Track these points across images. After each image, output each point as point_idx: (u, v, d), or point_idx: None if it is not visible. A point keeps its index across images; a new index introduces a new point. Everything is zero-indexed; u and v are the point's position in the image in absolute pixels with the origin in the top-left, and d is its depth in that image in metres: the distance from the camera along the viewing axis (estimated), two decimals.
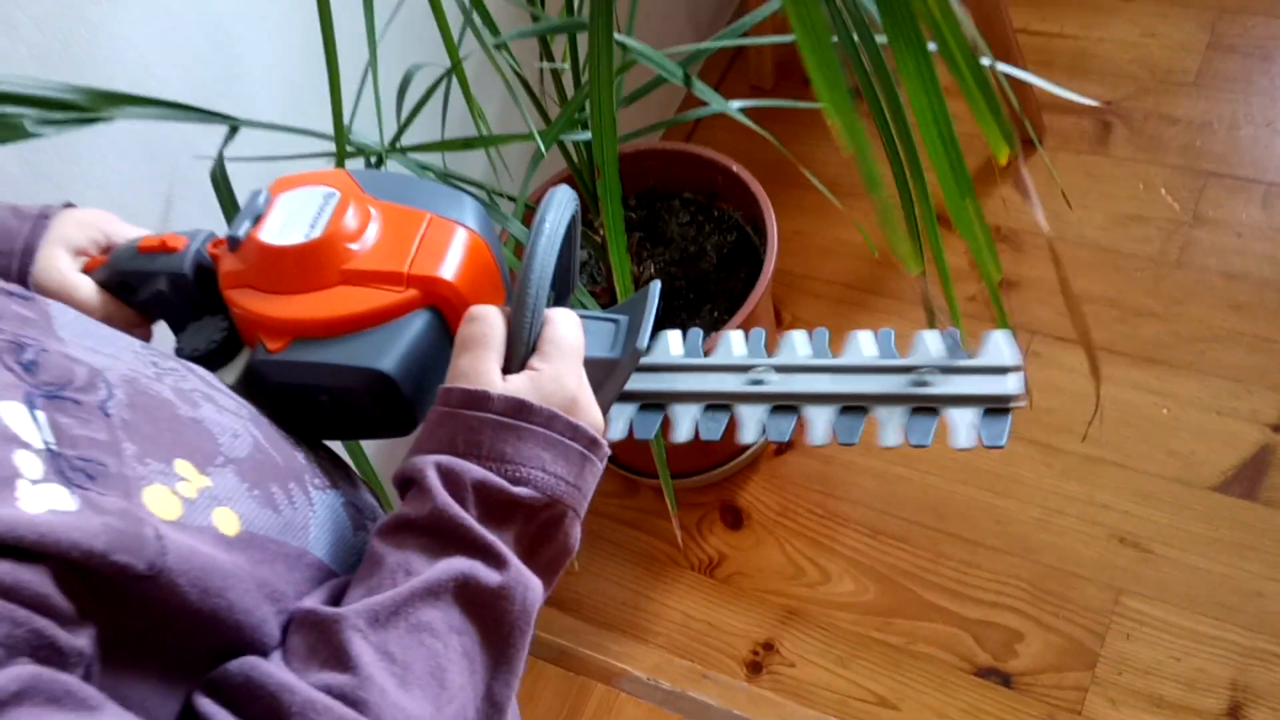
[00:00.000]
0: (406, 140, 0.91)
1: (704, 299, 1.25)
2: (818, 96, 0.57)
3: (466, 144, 0.90)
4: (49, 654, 0.36)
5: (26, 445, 0.38)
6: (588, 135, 0.97)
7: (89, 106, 0.75)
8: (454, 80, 0.88)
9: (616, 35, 0.86)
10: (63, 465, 0.38)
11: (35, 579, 0.35)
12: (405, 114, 0.90)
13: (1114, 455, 1.29)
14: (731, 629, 1.29)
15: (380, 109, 0.87)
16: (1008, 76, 1.03)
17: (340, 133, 0.84)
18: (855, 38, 0.62)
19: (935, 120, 0.60)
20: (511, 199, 0.95)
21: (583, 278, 1.27)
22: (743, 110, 0.94)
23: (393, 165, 0.90)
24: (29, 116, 0.73)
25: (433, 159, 1.00)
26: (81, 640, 0.37)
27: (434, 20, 0.82)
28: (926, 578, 1.27)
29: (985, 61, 0.93)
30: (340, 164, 0.84)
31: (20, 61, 0.78)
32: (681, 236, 1.29)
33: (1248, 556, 1.19)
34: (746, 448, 1.36)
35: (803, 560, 1.31)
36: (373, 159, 0.90)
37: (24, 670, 0.34)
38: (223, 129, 0.82)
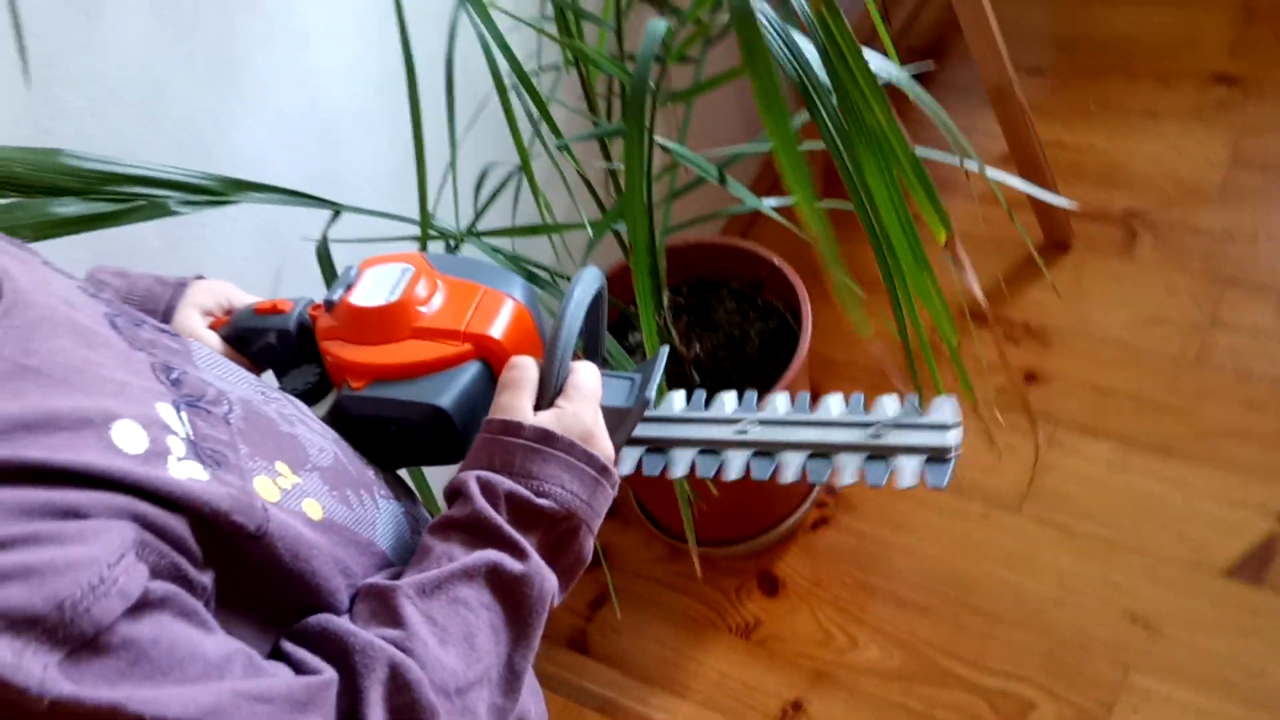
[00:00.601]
0: (481, 226, 1.06)
1: (746, 380, 1.37)
2: (789, 191, 0.69)
3: (532, 231, 1.04)
4: (183, 583, 0.47)
5: (174, 433, 0.50)
6: None
7: (220, 191, 0.90)
8: (523, 176, 1.02)
9: (659, 139, 1.00)
10: (199, 450, 0.50)
11: (178, 525, 0.46)
12: (481, 204, 1.04)
13: (1129, 539, 1.37)
14: (764, 688, 1.37)
15: (458, 199, 1.02)
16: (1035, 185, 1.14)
17: (425, 219, 0.99)
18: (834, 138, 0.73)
19: (895, 208, 0.71)
20: (569, 279, 1.09)
21: (636, 357, 1.39)
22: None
23: (468, 248, 1.04)
24: (173, 198, 0.88)
25: (503, 243, 1.13)
26: (205, 579, 0.48)
27: (508, 125, 0.96)
28: (947, 648, 1.35)
29: (973, 166, 1.05)
30: (423, 246, 0.98)
31: (165, 152, 0.93)
32: (728, 322, 1.41)
33: (1252, 638, 1.26)
34: (785, 520, 1.46)
35: (833, 627, 1.40)
36: (451, 242, 1.04)
37: (168, 586, 0.45)
38: (327, 213, 0.97)
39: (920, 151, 1.15)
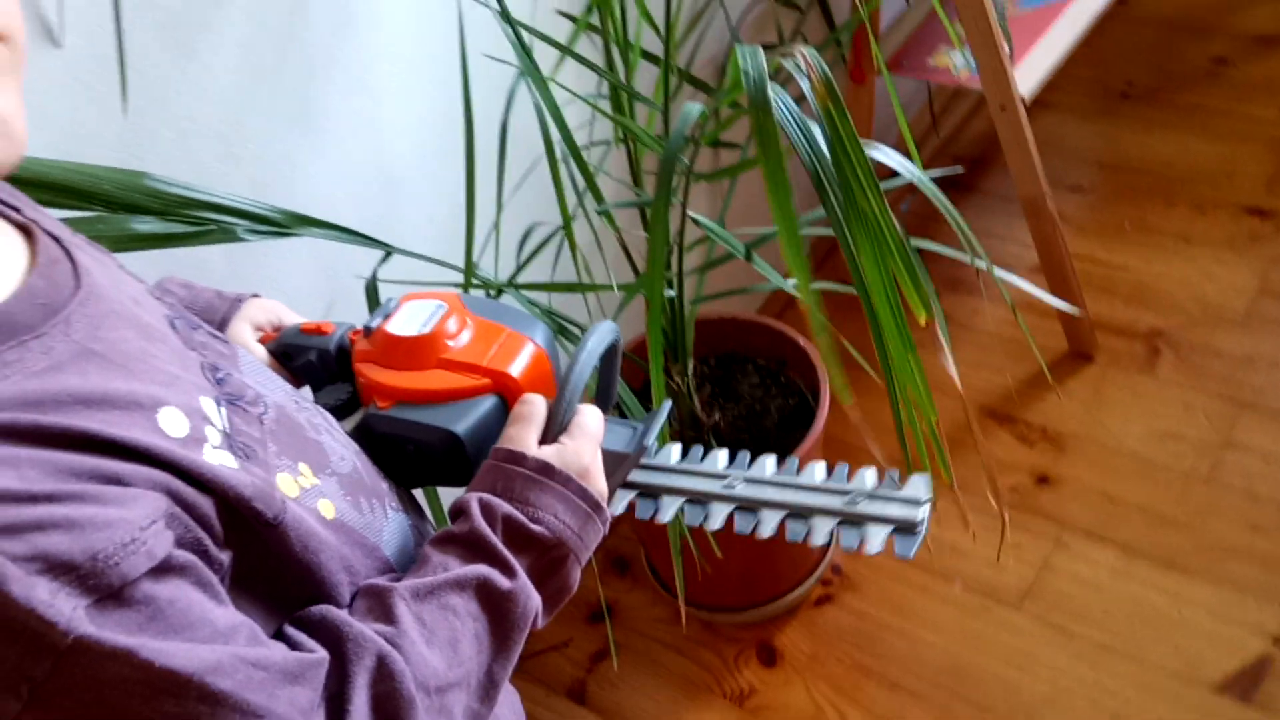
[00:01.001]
0: (522, 279, 1.13)
1: (763, 453, 1.42)
2: (789, 267, 0.75)
3: (567, 288, 1.11)
4: (203, 556, 0.51)
5: (213, 424, 0.56)
6: (669, 292, 1.18)
7: (284, 224, 0.98)
8: (564, 237, 1.09)
9: (693, 213, 1.07)
10: (232, 443, 0.56)
11: (205, 505, 0.52)
12: (523, 258, 1.12)
13: (1125, 646, 1.39)
14: None
15: (499, 252, 1.10)
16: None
17: (469, 267, 1.07)
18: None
19: (885, 290, 0.77)
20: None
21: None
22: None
23: (507, 298, 1.12)
24: (241, 226, 0.96)
25: (540, 297, 1.21)
26: (223, 557, 0.53)
27: (554, 189, 1.04)
28: None
29: (982, 264, 1.10)
30: (465, 292, 1.06)
31: (239, 185, 1.02)
32: (750, 395, 1.47)
33: None
34: (789, 592, 1.50)
35: (825, 703, 1.43)
36: (491, 291, 1.11)
37: (189, 556, 0.50)
38: (379, 253, 1.05)
39: (939, 249, 1.21)
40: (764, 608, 1.51)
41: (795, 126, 0.73)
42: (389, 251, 1.04)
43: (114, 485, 0.48)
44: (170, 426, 0.53)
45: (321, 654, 0.55)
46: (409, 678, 0.56)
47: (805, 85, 0.68)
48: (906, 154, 1.04)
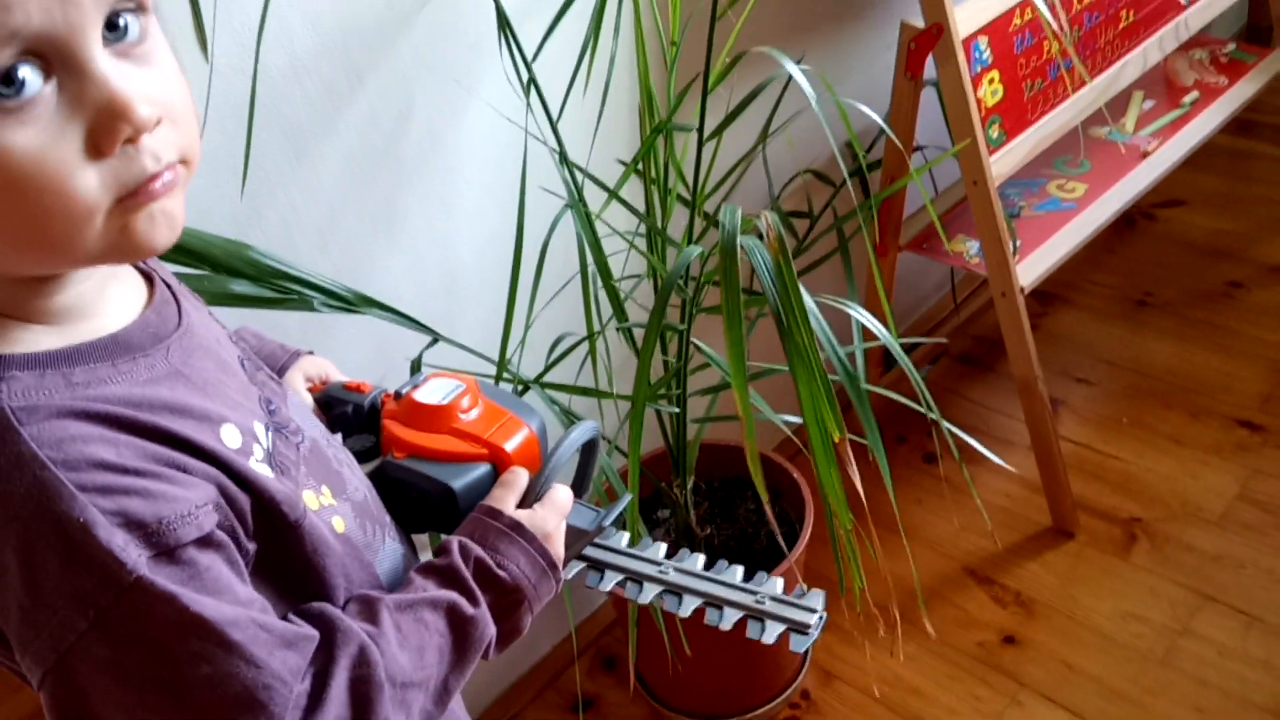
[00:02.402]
0: (548, 378, 1.31)
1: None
2: (736, 396, 0.91)
3: (583, 391, 1.29)
4: (235, 542, 0.63)
5: (260, 443, 0.68)
6: (673, 409, 1.35)
7: (354, 303, 1.18)
8: (589, 347, 1.28)
9: (696, 340, 1.25)
10: (272, 459, 0.70)
11: (244, 501, 0.64)
12: (549, 359, 1.30)
13: None
14: None
15: (523, 352, 1.28)
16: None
17: (502, 363, 1.25)
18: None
19: (815, 409, 0.91)
20: (609, 440, 1.33)
21: (657, 532, 1.61)
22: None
23: (532, 394, 1.29)
24: (318, 299, 1.16)
25: (561, 396, 1.38)
26: (250, 546, 0.65)
27: (584, 307, 1.23)
28: None
29: (934, 416, 1.24)
30: (496, 384, 1.24)
31: (324, 267, 1.22)
32: (745, 519, 1.62)
33: None
34: (758, 708, 1.62)
35: None
36: (518, 387, 1.29)
37: (225, 538, 0.62)
38: (427, 339, 1.23)
39: (896, 397, 1.36)
40: (737, 718, 1.62)
41: (766, 273, 0.91)
42: (436, 339, 1.23)
43: (181, 472, 0.61)
44: (228, 439, 0.66)
45: (314, 633, 0.66)
46: (382, 669, 0.67)
47: (761, 244, 0.85)
48: (884, 321, 1.21)
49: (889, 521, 1.71)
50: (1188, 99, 1.96)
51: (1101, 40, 1.72)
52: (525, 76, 1.18)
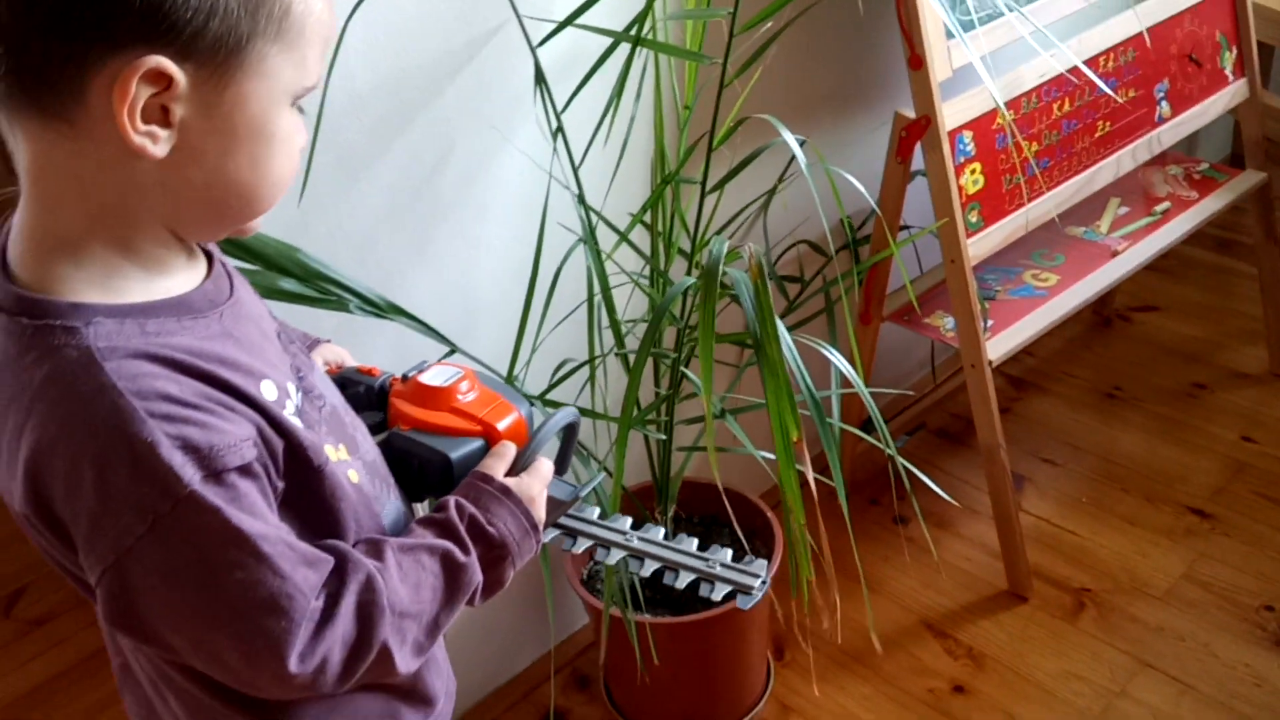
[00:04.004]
0: (550, 396, 1.45)
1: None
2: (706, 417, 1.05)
3: (583, 413, 1.43)
4: (268, 477, 0.73)
5: (291, 399, 0.78)
6: (659, 435, 1.49)
7: (383, 309, 1.33)
8: (589, 371, 1.42)
9: (685, 370, 1.39)
10: (300, 413, 0.78)
11: (277, 443, 0.74)
12: (553, 379, 1.45)
13: None
14: None
15: (528, 371, 1.42)
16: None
17: (510, 379, 1.40)
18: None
19: (781, 414, 1.05)
20: (599, 460, 1.47)
21: None
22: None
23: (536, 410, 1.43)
24: (353, 303, 1.31)
25: None
26: (280, 484, 0.75)
27: (588, 332, 1.38)
28: None
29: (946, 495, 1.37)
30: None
31: (360, 276, 1.37)
32: None
33: None
34: (754, 707, 1.73)
35: None
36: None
37: (261, 470, 0.72)
38: (444, 348, 1.38)
39: (863, 436, 1.48)
40: None
41: (746, 296, 1.06)
42: (453, 350, 1.38)
43: (230, 411, 0.71)
44: (266, 392, 0.76)
45: (331, 558, 0.76)
46: (384, 596, 0.77)
47: (744, 275, 1.00)
48: (859, 374, 1.35)
49: (854, 573, 1.84)
50: (1159, 208, 2.12)
51: (1078, 145, 1.89)
52: (554, 125, 1.35)
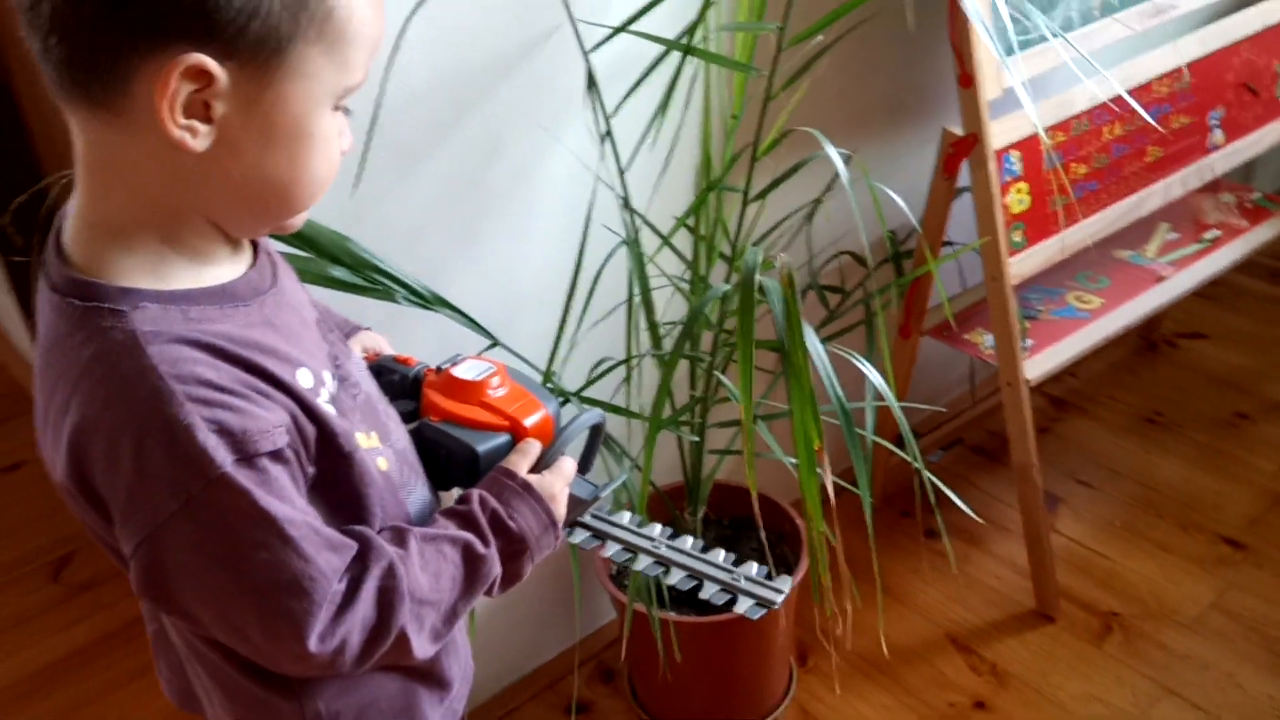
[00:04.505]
0: (587, 393, 1.49)
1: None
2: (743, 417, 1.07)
3: (615, 410, 1.46)
4: (299, 462, 0.75)
5: (326, 387, 0.80)
6: (692, 437, 1.52)
7: (428, 300, 1.36)
8: (626, 371, 1.45)
9: (718, 374, 1.41)
10: (334, 401, 0.80)
11: (310, 430, 0.76)
12: (590, 377, 1.48)
13: None
14: None
15: (566, 367, 1.45)
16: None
17: (548, 374, 1.43)
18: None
19: (804, 417, 1.06)
20: (631, 457, 1.50)
21: None
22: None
23: (570, 405, 1.47)
24: (399, 293, 1.34)
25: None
26: (310, 469, 0.77)
27: (626, 332, 1.41)
28: None
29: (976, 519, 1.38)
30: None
31: (408, 268, 1.41)
32: (746, 556, 1.76)
33: None
34: (775, 710, 1.76)
35: None
36: (560, 398, 1.47)
37: (292, 456, 0.74)
38: (485, 341, 1.42)
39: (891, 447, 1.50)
40: None
41: (777, 304, 1.08)
42: (495, 343, 1.42)
43: (265, 398, 0.74)
44: (302, 379, 0.78)
45: (354, 544, 0.79)
46: (405, 583, 0.79)
47: (776, 283, 1.03)
48: (897, 394, 1.37)
49: (887, 585, 1.86)
50: (1208, 235, 2.12)
51: (1127, 170, 1.89)
52: (604, 129, 1.38)
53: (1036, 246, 1.79)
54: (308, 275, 1.27)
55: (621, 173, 1.42)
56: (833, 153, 1.26)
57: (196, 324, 0.74)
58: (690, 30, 1.34)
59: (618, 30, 1.35)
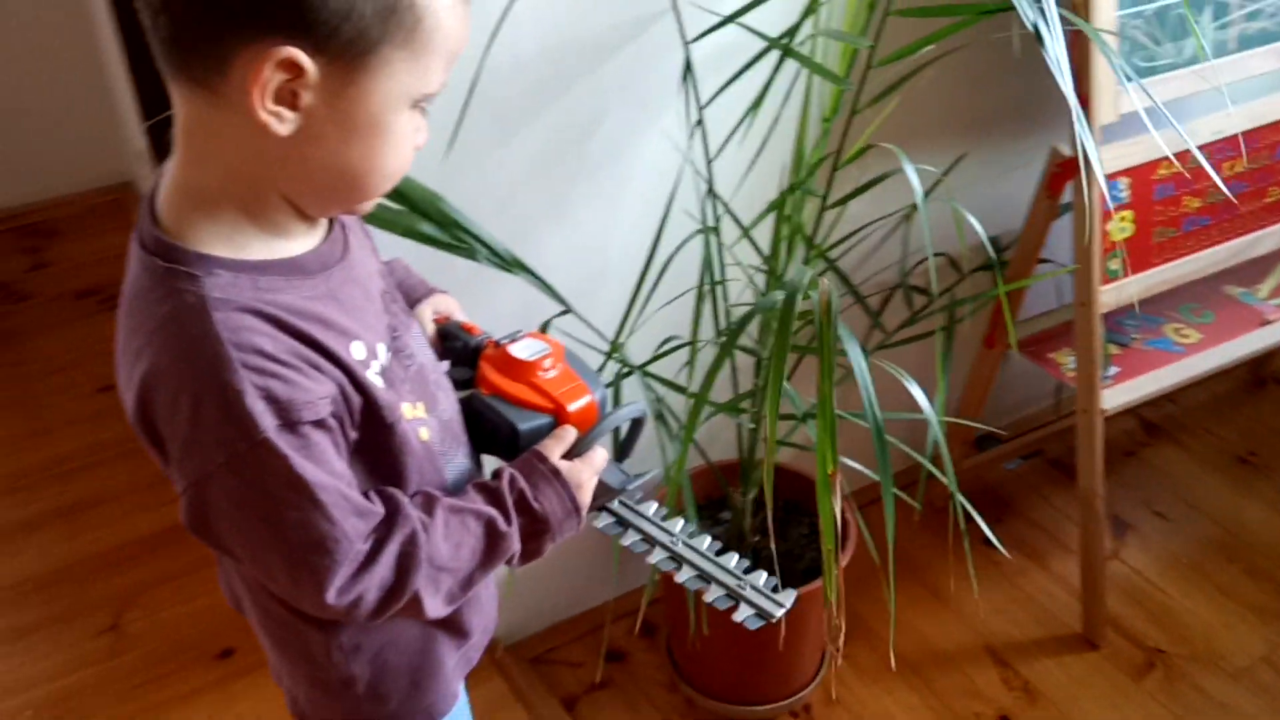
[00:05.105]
0: (652, 369, 1.54)
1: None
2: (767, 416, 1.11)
3: (675, 387, 1.51)
4: (342, 429, 0.81)
5: (378, 359, 0.85)
6: (749, 424, 1.56)
7: (509, 262, 1.42)
8: (691, 352, 1.50)
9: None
10: (385, 373, 0.86)
11: (356, 400, 0.82)
12: (655, 353, 1.53)
13: None
14: None
15: (633, 340, 1.50)
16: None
17: (614, 347, 1.48)
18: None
19: (826, 437, 1.09)
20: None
21: (716, 530, 1.81)
22: None
23: (634, 380, 1.52)
24: (482, 252, 1.40)
25: (656, 387, 1.61)
26: (353, 435, 0.83)
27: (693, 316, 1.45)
28: None
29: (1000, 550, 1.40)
30: (605, 361, 1.48)
31: (494, 229, 1.46)
32: (795, 542, 1.80)
33: None
34: (765, 705, 1.81)
35: None
36: (625, 369, 1.52)
37: (335, 424, 0.80)
38: (559, 308, 1.47)
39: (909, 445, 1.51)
40: (741, 708, 1.82)
41: (818, 319, 1.11)
42: (567, 310, 1.47)
43: (315, 370, 0.79)
44: (356, 352, 0.83)
45: (381, 511, 0.85)
46: (425, 550, 0.85)
47: (815, 300, 1.06)
48: (976, 405, 1.38)
49: (930, 583, 1.88)
50: None
51: (1245, 208, 1.83)
52: (695, 119, 1.41)
53: (1133, 277, 1.76)
54: (396, 227, 1.34)
55: (709, 161, 1.45)
56: (911, 173, 1.27)
57: (263, 294, 0.79)
58: (790, 32, 1.35)
59: (721, 24, 1.37)
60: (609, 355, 1.50)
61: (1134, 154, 1.69)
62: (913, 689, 1.87)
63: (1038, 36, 1.09)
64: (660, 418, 1.55)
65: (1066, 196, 1.74)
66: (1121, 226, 1.72)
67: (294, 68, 0.74)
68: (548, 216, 1.56)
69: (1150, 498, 2.23)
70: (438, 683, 1.06)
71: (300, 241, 0.86)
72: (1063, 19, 1.16)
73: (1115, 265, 1.74)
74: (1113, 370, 1.84)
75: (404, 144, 0.84)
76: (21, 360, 2.65)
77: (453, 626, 1.04)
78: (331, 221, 0.90)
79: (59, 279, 2.92)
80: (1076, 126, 1.21)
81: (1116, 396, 1.81)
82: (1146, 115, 1.45)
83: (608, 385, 1.42)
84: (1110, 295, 1.74)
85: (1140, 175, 1.71)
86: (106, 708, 1.86)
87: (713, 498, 1.86)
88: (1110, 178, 1.68)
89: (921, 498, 1.37)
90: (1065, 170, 1.69)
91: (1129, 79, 1.48)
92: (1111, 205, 1.70)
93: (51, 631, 1.99)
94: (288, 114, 0.77)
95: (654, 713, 1.84)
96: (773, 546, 1.70)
